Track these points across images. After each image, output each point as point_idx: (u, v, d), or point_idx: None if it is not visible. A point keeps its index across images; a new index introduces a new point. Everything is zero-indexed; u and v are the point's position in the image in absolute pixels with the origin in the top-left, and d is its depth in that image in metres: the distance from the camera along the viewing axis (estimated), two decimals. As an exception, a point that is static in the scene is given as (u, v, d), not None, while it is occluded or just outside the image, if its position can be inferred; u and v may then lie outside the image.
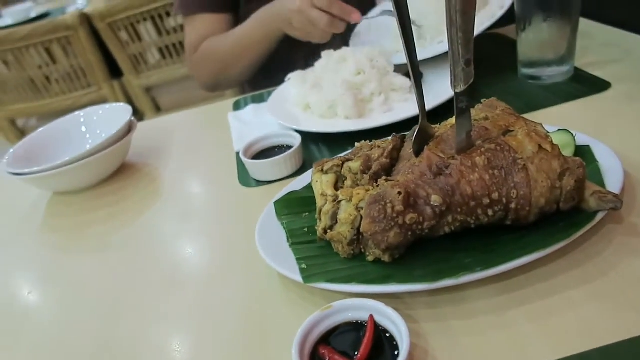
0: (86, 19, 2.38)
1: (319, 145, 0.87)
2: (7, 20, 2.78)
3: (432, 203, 0.51)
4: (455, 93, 0.52)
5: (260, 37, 1.13)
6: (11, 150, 0.92)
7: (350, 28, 1.04)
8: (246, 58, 1.18)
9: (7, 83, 2.53)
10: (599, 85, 0.83)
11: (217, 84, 1.30)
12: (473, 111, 0.60)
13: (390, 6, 1.17)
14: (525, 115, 0.65)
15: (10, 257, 0.80)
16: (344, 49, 1.01)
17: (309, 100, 0.94)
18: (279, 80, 1.08)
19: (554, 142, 0.53)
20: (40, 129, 0.99)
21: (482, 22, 0.92)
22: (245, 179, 0.83)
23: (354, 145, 0.67)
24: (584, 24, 1.03)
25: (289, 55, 1.21)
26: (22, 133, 2.68)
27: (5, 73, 2.51)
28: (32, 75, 2.50)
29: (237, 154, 0.88)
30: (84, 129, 1.01)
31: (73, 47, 2.43)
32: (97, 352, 0.56)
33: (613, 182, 0.56)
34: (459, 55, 0.49)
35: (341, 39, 1.14)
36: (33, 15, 2.78)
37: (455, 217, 0.52)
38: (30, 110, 2.65)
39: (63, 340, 0.60)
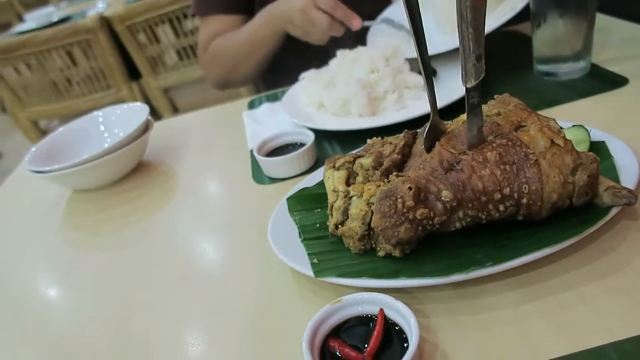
0: (106, 22, 2.42)
1: (332, 143, 0.88)
2: (30, 24, 2.84)
3: (442, 198, 0.51)
4: (466, 88, 0.52)
5: (265, 35, 1.15)
6: (33, 149, 0.95)
7: (349, 32, 1.05)
8: (253, 56, 1.19)
9: (29, 85, 2.60)
10: (616, 81, 0.82)
11: (226, 82, 1.32)
12: (485, 107, 0.60)
13: (389, 14, 1.17)
14: (541, 112, 0.64)
15: (31, 252, 0.82)
16: (359, 48, 1.01)
17: (323, 99, 0.95)
18: (293, 79, 1.09)
19: (568, 137, 0.53)
20: (61, 128, 1.02)
21: (505, 13, 0.92)
22: (259, 176, 0.83)
23: (366, 143, 0.67)
24: (603, 19, 1.02)
25: (303, 54, 1.22)
26: (43, 134, 2.73)
27: (28, 76, 2.57)
28: (54, 77, 2.56)
29: (251, 152, 0.89)
30: (102, 128, 1.04)
31: (93, 50, 2.48)
32: (114, 345, 0.58)
33: (628, 178, 0.55)
34: (469, 50, 0.49)
35: (356, 37, 1.15)
36: (55, 19, 2.84)
37: (466, 212, 0.51)
38: (52, 112, 2.70)
39: (81, 334, 0.61)
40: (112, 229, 0.81)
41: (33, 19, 2.86)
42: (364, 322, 0.47)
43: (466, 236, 0.54)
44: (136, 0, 2.52)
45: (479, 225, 0.53)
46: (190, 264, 0.68)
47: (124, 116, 1.02)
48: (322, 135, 0.88)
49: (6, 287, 0.75)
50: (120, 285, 0.68)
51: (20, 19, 3.49)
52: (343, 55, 1.01)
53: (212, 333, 0.56)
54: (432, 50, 0.92)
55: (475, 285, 0.51)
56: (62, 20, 2.80)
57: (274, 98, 1.13)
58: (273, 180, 0.81)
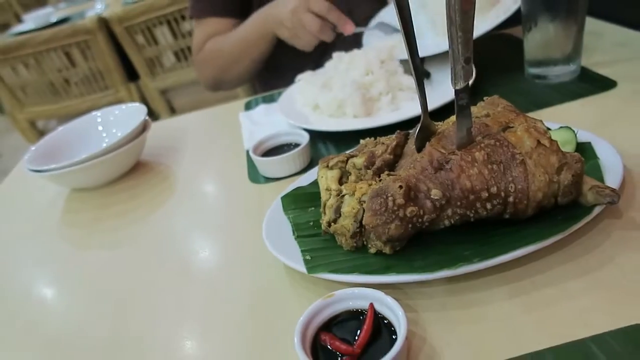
0: (104, 23, 2.44)
1: (327, 143, 0.89)
2: (29, 24, 2.85)
3: (432, 197, 0.52)
4: (455, 90, 0.53)
5: (255, 38, 1.16)
6: (32, 148, 0.96)
7: (340, 38, 1.06)
8: (245, 58, 1.21)
9: (28, 86, 2.61)
10: (605, 84, 0.83)
11: (218, 83, 1.33)
12: (475, 108, 0.62)
13: (383, 18, 1.18)
14: (532, 114, 0.66)
15: (30, 250, 0.83)
16: (355, 51, 1.02)
17: (319, 100, 0.96)
18: (290, 81, 1.10)
19: (555, 138, 0.54)
20: (60, 128, 1.03)
21: (498, 15, 0.93)
22: (254, 176, 0.85)
23: (360, 143, 0.69)
24: (595, 24, 1.04)
25: (299, 56, 1.23)
26: (41, 134, 2.75)
27: (26, 76, 2.58)
28: (52, 78, 2.57)
29: (248, 152, 0.90)
30: (100, 128, 1.05)
31: (91, 51, 2.49)
32: (111, 343, 0.59)
33: (612, 178, 0.56)
34: (458, 53, 0.51)
35: (353, 41, 1.16)
36: (53, 19, 2.86)
37: (455, 210, 0.53)
38: (50, 112, 2.72)
39: (78, 332, 0.62)
40: (110, 228, 0.83)
41: (31, 20, 2.86)
42: (354, 316, 0.49)
43: (455, 233, 0.55)
44: (134, 1, 2.54)
45: (468, 223, 0.54)
46: (186, 262, 0.70)
47: (122, 116, 1.03)
48: (317, 136, 0.89)
49: (4, 286, 0.76)
50: (116, 283, 0.69)
51: (19, 19, 3.50)
52: (339, 58, 1.03)
53: (208, 329, 0.57)
54: (425, 51, 0.94)
55: (463, 281, 0.53)
56: (61, 21, 2.81)
57: (271, 99, 1.14)
58: (268, 179, 0.83)
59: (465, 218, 0.53)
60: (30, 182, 1.04)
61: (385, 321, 0.47)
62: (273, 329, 0.54)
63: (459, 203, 0.53)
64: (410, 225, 0.53)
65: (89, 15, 2.57)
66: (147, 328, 0.59)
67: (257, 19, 1.14)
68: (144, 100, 2.65)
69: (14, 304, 0.71)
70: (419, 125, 0.59)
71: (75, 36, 2.42)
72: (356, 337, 0.46)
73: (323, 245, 0.59)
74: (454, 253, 0.52)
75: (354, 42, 1.16)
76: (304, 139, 0.83)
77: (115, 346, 0.58)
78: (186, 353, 0.55)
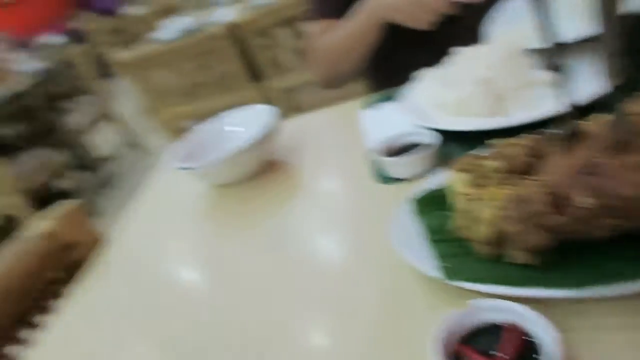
0: (231, 28, 2.63)
1: (452, 143, 0.85)
2: (165, 33, 3.14)
3: (581, 205, 0.48)
4: (608, 86, 0.48)
5: (363, 30, 1.14)
6: (175, 148, 1.06)
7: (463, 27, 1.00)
8: (354, 51, 1.20)
9: (168, 89, 2.91)
10: None
11: (331, 81, 1.34)
12: (629, 106, 0.55)
13: None
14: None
15: (175, 243, 0.91)
16: (477, 46, 0.97)
17: (442, 98, 0.93)
18: (406, 79, 1.07)
19: None
20: (196, 128, 1.12)
21: None
22: (378, 176, 0.84)
23: (488, 144, 0.65)
24: None
25: (417, 53, 1.20)
26: (181, 132, 3.02)
27: (166, 80, 2.89)
28: (188, 81, 2.84)
29: (371, 151, 0.90)
30: (234, 128, 1.12)
31: (220, 54, 2.71)
32: (237, 335, 0.63)
33: None
34: (610, 44, 0.46)
35: (471, 32, 1.10)
36: (187, 27, 3.12)
37: (609, 220, 0.48)
38: (186, 113, 3.00)
39: (212, 322, 0.68)
40: (244, 222, 0.88)
41: (166, 28, 3.16)
42: (494, 330, 0.46)
43: (609, 246, 0.50)
44: (259, 5, 2.70)
45: (624, 235, 0.49)
46: (312, 260, 0.72)
47: (252, 117, 1.09)
48: (441, 136, 0.86)
49: (150, 277, 0.84)
50: (248, 275, 0.74)
51: (153, 28, 3.83)
52: (461, 53, 0.98)
53: (333, 330, 0.59)
54: (564, 38, 0.85)
55: (620, 300, 0.47)
56: (193, 29, 3.06)
57: (391, 97, 1.13)
58: (393, 180, 0.82)
59: (621, 229, 0.48)
60: (171, 177, 1.14)
61: (529, 338, 0.44)
62: (403, 337, 0.54)
63: (613, 212, 0.48)
64: (554, 235, 0.49)
65: (216, 21, 2.79)
66: (271, 326, 0.62)
67: (365, 10, 1.14)
68: (268, 100, 2.79)
69: (162, 292, 0.78)
70: (563, 125, 0.55)
71: (206, 43, 2.65)
72: (498, 353, 0.44)
73: (457, 251, 0.57)
74: (608, 268, 0.48)
75: (471, 37, 1.09)
76: (432, 139, 0.81)
77: (249, 339, 0.62)
78: (319, 346, 0.57)
